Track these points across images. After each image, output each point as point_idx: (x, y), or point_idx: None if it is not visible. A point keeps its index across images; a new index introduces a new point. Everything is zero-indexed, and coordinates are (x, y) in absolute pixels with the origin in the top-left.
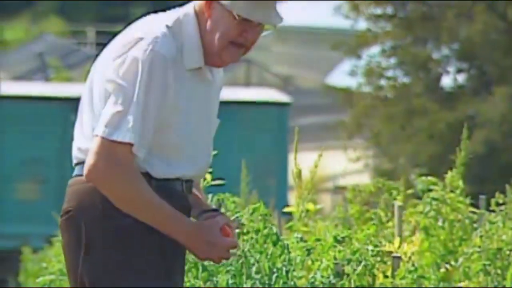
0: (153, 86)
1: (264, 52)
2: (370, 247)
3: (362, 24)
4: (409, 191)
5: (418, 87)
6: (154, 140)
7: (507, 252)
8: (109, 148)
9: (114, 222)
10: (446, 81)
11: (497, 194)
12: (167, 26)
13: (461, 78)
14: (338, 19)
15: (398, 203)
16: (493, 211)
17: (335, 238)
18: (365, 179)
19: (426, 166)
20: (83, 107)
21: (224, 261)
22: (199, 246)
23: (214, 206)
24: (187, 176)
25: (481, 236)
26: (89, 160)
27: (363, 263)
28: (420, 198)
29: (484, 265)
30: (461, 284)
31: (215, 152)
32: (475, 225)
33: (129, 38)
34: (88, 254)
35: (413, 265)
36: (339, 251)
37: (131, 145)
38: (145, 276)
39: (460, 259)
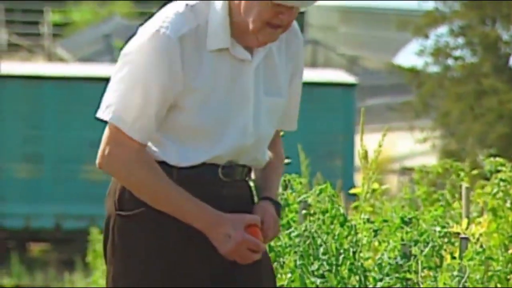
0: (157, 71)
1: (330, 33)
2: (438, 228)
3: (430, 4)
4: (476, 172)
5: (487, 67)
6: (167, 125)
7: None
8: (114, 135)
9: (127, 208)
10: None
11: None
12: (186, 5)
13: None
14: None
15: (465, 184)
16: None
17: (402, 219)
18: (432, 160)
19: (494, 147)
20: None
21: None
22: (217, 238)
23: (274, 197)
24: (222, 161)
25: None
26: (100, 147)
27: (430, 244)
28: (488, 179)
29: None
30: None
31: (281, 133)
32: None
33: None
34: (111, 241)
35: (481, 246)
36: (406, 232)
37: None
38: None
39: None
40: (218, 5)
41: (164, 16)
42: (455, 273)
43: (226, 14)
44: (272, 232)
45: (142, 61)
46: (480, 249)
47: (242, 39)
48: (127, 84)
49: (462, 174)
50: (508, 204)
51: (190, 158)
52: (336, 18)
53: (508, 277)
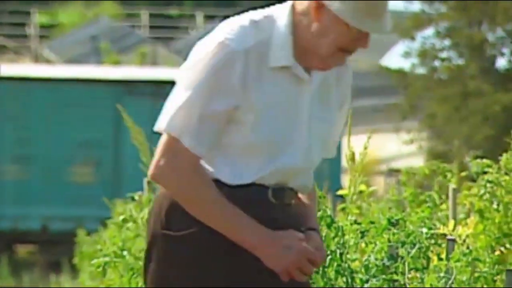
0: (218, 83)
1: None
2: (424, 230)
3: (416, 6)
4: (463, 174)
5: (473, 68)
6: (225, 141)
7: None
8: (172, 146)
9: (174, 229)
10: (501, 63)
11: None
12: (251, 20)
13: None
14: (391, 1)
15: (452, 185)
16: None
17: (389, 220)
18: (419, 162)
19: (480, 148)
20: None
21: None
22: (275, 252)
23: (315, 225)
24: (271, 182)
25: None
26: (154, 158)
27: (417, 245)
28: (474, 180)
29: None
30: None
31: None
32: None
33: (208, 36)
34: (149, 262)
35: (467, 247)
36: (393, 234)
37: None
38: None
39: None
40: (282, 22)
41: (229, 29)
42: (442, 274)
43: (290, 32)
44: (320, 261)
45: (204, 72)
46: (467, 251)
47: (305, 59)
48: (188, 95)
49: (449, 175)
50: (494, 206)
51: (241, 176)
52: None
53: (495, 278)
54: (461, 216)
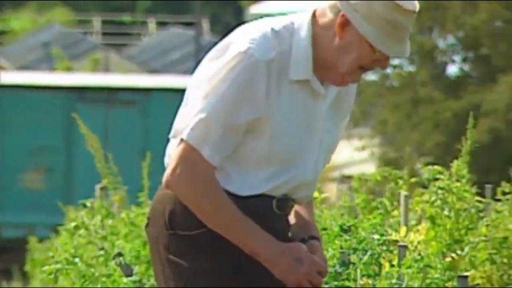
0: (242, 94)
1: None
2: (376, 236)
3: None
4: (415, 180)
5: (424, 75)
6: (240, 151)
7: None
8: (190, 156)
9: (179, 231)
10: (452, 70)
11: (503, 183)
12: (272, 29)
13: (467, 67)
14: None
15: (404, 192)
16: (499, 200)
17: (341, 227)
18: (370, 168)
19: (431, 155)
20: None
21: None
22: (287, 265)
23: (316, 234)
24: (279, 193)
25: (487, 225)
26: (170, 165)
27: (369, 252)
28: (426, 187)
29: (490, 254)
30: (467, 273)
31: None
32: (481, 214)
33: (229, 40)
34: (162, 265)
35: (419, 254)
36: (345, 240)
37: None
38: None
39: (466, 248)
40: (303, 33)
41: (251, 38)
42: (394, 281)
43: (311, 44)
44: (326, 272)
45: (228, 82)
46: (418, 257)
47: (322, 73)
48: (211, 105)
49: (400, 182)
50: (446, 212)
51: (252, 187)
52: None
53: (446, 284)
54: (413, 222)
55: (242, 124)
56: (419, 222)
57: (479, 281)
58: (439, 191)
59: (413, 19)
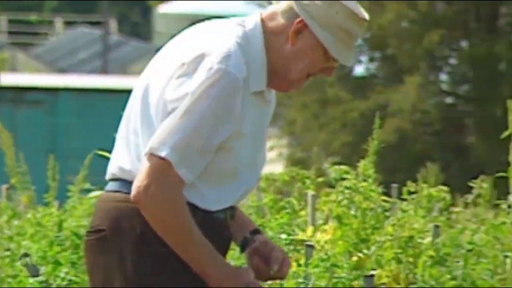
0: (223, 113)
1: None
2: (284, 236)
3: None
4: (322, 180)
5: (331, 76)
6: (210, 167)
7: (419, 240)
8: (163, 172)
9: (151, 248)
10: (359, 70)
11: (408, 183)
12: (237, 42)
13: (373, 67)
14: (251, 7)
15: (311, 192)
16: (405, 199)
17: None
18: (278, 168)
19: (339, 155)
20: (133, 121)
21: None
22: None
23: (255, 226)
24: (235, 202)
25: (393, 225)
26: (141, 180)
27: None
28: (333, 186)
29: (396, 253)
30: (373, 272)
31: None
32: (387, 213)
33: (197, 52)
34: (125, 279)
35: (326, 253)
36: None
37: (179, 171)
38: None
39: (373, 248)
40: (257, 43)
41: (225, 53)
42: (301, 280)
43: (265, 54)
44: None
45: (210, 101)
46: (325, 256)
47: (271, 80)
48: (192, 125)
49: (308, 181)
50: (352, 212)
51: (221, 202)
52: (184, 26)
53: (352, 283)
54: (320, 222)
55: (221, 142)
56: (326, 222)
57: (385, 280)
58: (346, 191)
59: (365, 28)
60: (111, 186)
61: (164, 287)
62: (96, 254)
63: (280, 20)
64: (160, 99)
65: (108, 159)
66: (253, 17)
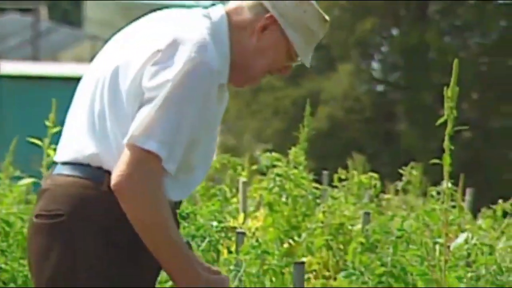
0: (201, 102)
1: (109, 28)
2: (215, 223)
3: (208, 2)
4: (254, 167)
5: None
6: (182, 159)
7: (349, 227)
8: (147, 164)
9: (113, 237)
10: None
11: (339, 170)
12: (209, 34)
13: None
14: None
15: (242, 179)
16: (336, 186)
17: (180, 214)
18: None
19: (271, 142)
20: (98, 104)
21: None
22: None
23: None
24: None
25: (323, 212)
26: (123, 170)
27: (207, 239)
28: (264, 174)
29: (327, 240)
30: (304, 259)
31: None
32: (318, 200)
33: (171, 38)
34: (82, 266)
35: (257, 240)
36: (184, 228)
37: (161, 159)
38: None
39: (303, 235)
40: (222, 35)
41: (200, 43)
42: (232, 267)
43: (229, 47)
44: None
45: (188, 90)
46: (256, 243)
47: (231, 76)
48: (173, 113)
49: (239, 169)
50: (283, 199)
51: (182, 193)
52: (115, 13)
53: (283, 270)
54: (251, 209)
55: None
56: (257, 209)
57: (315, 266)
58: (277, 178)
59: (326, 30)
60: (67, 170)
61: (123, 277)
62: (49, 239)
63: (247, 15)
64: (131, 85)
65: (38, 146)
66: (217, 9)
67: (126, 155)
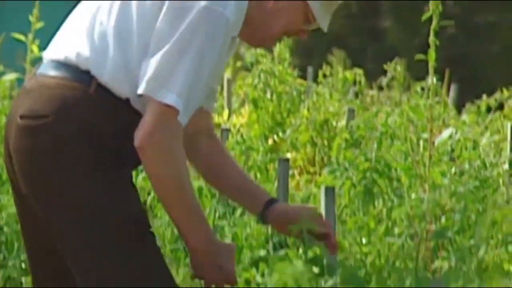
0: (214, 52)
1: None
2: None
3: None
4: (238, 64)
5: None
6: None
7: (333, 123)
8: (168, 120)
9: (95, 140)
10: None
11: (324, 66)
12: None
13: None
14: None
15: (227, 75)
16: (320, 83)
17: None
18: None
19: None
20: (105, 16)
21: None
22: (206, 266)
23: (269, 197)
24: None
25: (308, 108)
26: (145, 129)
27: None
28: (249, 70)
29: (311, 136)
30: (289, 155)
31: None
32: (302, 97)
33: None
34: (60, 167)
35: (241, 136)
36: None
37: (178, 112)
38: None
39: (288, 131)
40: None
41: None
42: None
43: (247, 2)
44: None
45: (211, 47)
46: (241, 140)
47: (242, 30)
48: (190, 64)
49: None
50: (268, 95)
51: None
52: None
53: (268, 166)
54: (236, 106)
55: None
56: (242, 106)
57: (300, 162)
58: (262, 74)
59: None
60: (53, 70)
61: (107, 180)
62: (34, 140)
63: None
64: (151, 8)
65: (22, 42)
66: None
67: (148, 111)
